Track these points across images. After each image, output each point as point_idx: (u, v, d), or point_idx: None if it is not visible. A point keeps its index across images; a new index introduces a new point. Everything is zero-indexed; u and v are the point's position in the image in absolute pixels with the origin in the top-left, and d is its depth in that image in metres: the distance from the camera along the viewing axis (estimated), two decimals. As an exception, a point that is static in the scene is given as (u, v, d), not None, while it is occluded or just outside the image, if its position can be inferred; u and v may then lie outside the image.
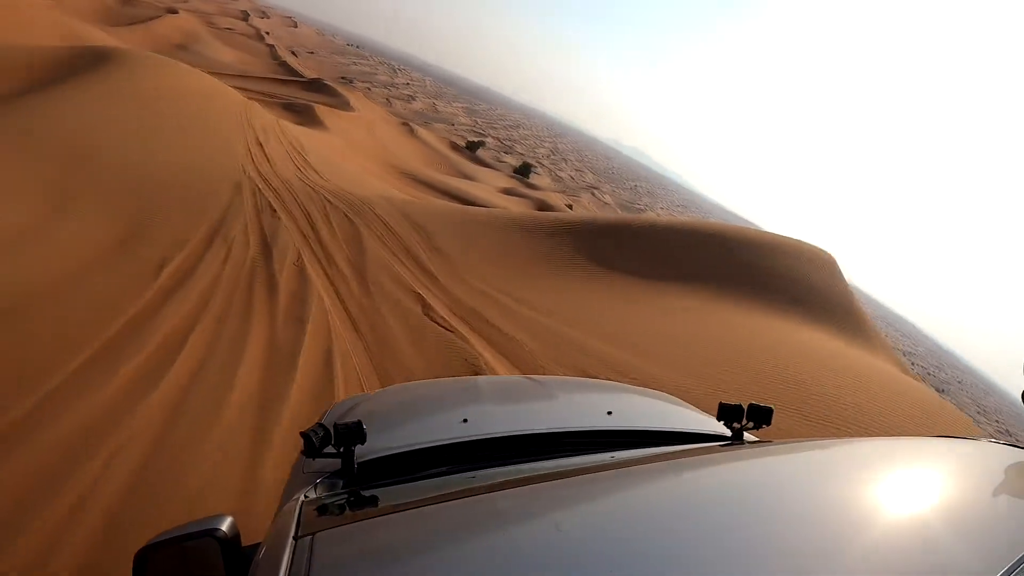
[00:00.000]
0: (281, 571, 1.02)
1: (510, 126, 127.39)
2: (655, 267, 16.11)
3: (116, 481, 4.34)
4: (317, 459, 1.80)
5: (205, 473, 4.64)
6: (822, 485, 1.32)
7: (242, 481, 4.67)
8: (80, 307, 6.83)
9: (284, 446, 5.16)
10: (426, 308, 9.81)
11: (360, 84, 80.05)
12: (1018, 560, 0.93)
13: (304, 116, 37.18)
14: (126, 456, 4.61)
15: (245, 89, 42.12)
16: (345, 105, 46.95)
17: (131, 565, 1.44)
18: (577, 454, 1.97)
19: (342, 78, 77.74)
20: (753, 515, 1.14)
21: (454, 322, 9.59)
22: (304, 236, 12.11)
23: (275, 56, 68.45)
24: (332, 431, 1.72)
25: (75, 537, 3.82)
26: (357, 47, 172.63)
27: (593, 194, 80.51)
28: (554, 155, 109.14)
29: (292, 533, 1.20)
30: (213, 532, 1.45)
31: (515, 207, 36.76)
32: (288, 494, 1.85)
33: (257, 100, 40.52)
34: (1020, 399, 2.08)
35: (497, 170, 57.56)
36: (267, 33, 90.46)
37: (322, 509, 1.45)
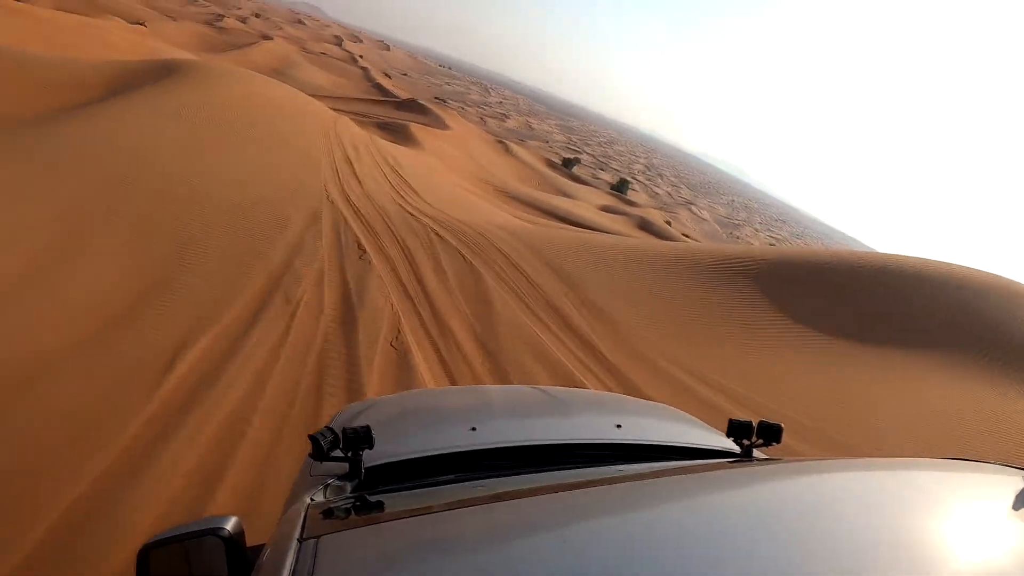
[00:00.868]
0: (284, 573, 1.00)
1: (604, 142, 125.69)
2: (874, 325, 11.28)
3: None
4: (324, 462, 1.74)
5: None
6: (831, 507, 1.24)
7: None
8: (28, 447, 4.10)
9: None
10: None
11: (453, 103, 79.65)
12: None
13: (399, 135, 35.34)
14: None
15: (338, 109, 41.08)
16: (440, 124, 45.46)
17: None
18: (585, 466, 1.94)
19: (435, 98, 77.42)
20: (760, 534, 1.09)
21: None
22: (404, 288, 8.74)
23: (369, 78, 67.82)
24: (341, 435, 1.69)
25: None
26: (449, 68, 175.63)
27: (690, 210, 78.03)
28: (649, 171, 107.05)
29: (297, 535, 1.16)
30: (217, 531, 1.42)
31: (615, 225, 35.00)
32: (294, 496, 1.84)
33: (350, 119, 39.21)
34: None
35: (594, 187, 55.80)
36: (360, 56, 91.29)
37: (328, 513, 1.41)
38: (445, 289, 9.17)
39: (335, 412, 2.76)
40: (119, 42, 26.37)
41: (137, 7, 70.73)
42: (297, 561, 1.04)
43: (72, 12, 42.63)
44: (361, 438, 1.68)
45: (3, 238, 6.45)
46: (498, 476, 1.78)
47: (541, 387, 3.38)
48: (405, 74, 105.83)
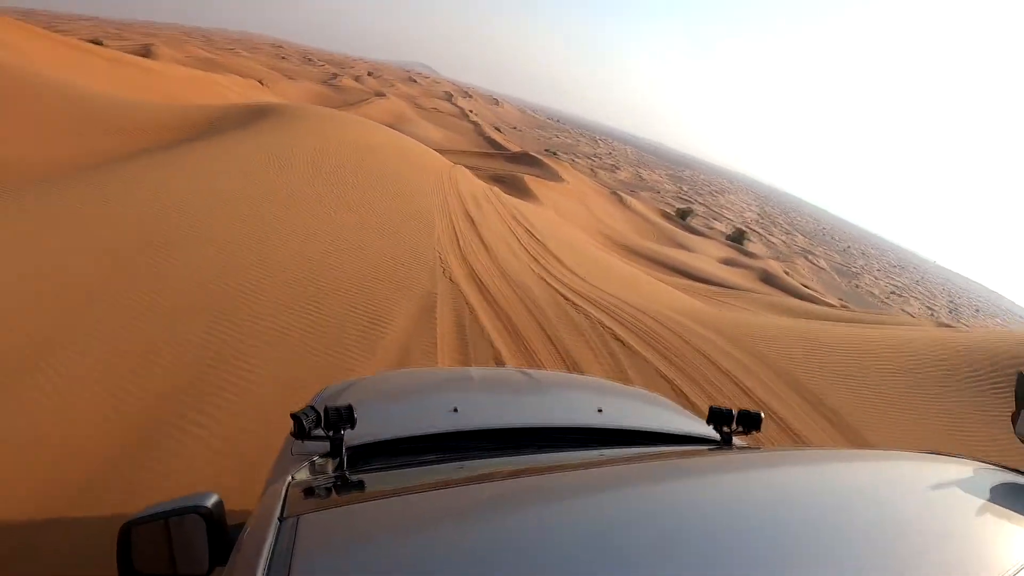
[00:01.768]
0: (264, 551, 0.99)
1: (716, 191, 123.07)
2: None
3: None
4: (306, 441, 1.70)
5: None
6: (808, 496, 1.26)
7: None
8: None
9: None
10: None
11: (564, 156, 79.27)
12: None
13: (514, 187, 33.70)
14: None
15: (452, 165, 39.51)
16: (554, 176, 44.06)
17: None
18: (566, 450, 1.93)
19: (546, 150, 77.28)
20: (736, 520, 1.10)
21: None
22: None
23: (480, 132, 67.69)
24: (322, 414, 1.66)
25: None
26: (558, 121, 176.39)
27: (807, 259, 75.84)
28: (763, 219, 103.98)
29: (277, 514, 1.15)
30: (198, 509, 1.41)
31: (738, 278, 33.69)
32: (275, 475, 1.81)
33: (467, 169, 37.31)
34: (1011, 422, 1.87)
35: (710, 238, 53.80)
36: (471, 112, 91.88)
37: (309, 492, 1.39)
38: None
39: (317, 391, 2.64)
40: (229, 93, 25.10)
41: (257, 68, 73.43)
42: (277, 539, 1.03)
43: (190, 69, 43.96)
44: (343, 417, 1.66)
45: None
46: (479, 458, 1.78)
47: (523, 370, 3.42)
48: (515, 128, 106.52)
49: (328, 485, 1.50)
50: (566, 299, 9.57)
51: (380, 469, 1.71)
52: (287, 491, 1.32)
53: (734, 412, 1.99)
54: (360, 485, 1.55)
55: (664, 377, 7.37)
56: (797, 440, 6.51)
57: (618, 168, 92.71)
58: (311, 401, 2.38)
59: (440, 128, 61.24)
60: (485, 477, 1.51)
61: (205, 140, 11.63)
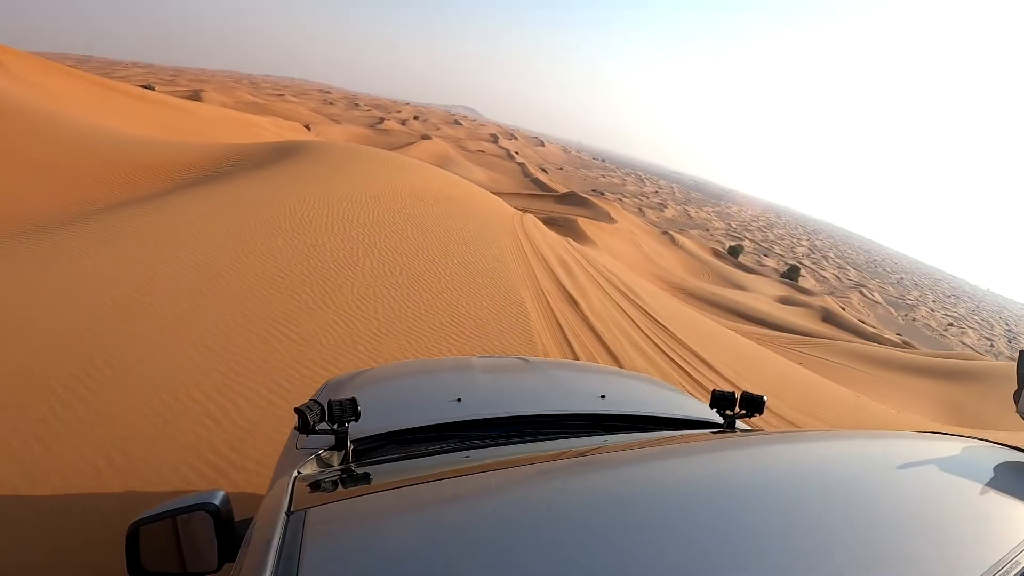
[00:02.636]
0: (273, 546, 0.99)
1: (764, 227, 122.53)
2: None
3: None
4: (311, 435, 1.73)
5: None
6: (811, 477, 1.28)
7: None
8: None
9: None
10: None
11: (611, 195, 79.14)
12: (997, 562, 0.95)
13: (570, 230, 33.26)
14: None
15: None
16: (605, 216, 43.73)
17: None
18: (570, 437, 1.93)
19: (592, 190, 77.35)
20: (740, 503, 1.11)
21: None
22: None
23: (526, 173, 67.58)
24: (327, 408, 1.67)
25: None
26: (603, 160, 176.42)
27: (861, 292, 75.87)
28: (813, 253, 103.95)
29: (285, 509, 1.16)
30: (206, 506, 1.42)
31: (797, 318, 33.15)
32: (281, 470, 1.82)
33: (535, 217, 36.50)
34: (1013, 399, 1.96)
35: (762, 275, 54.11)
36: (516, 153, 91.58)
37: (315, 485, 1.39)
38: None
39: (321, 385, 2.63)
40: (267, 134, 24.56)
41: (304, 112, 74.34)
42: (285, 534, 1.03)
43: (240, 112, 44.08)
44: (347, 410, 1.66)
45: None
46: (484, 447, 1.76)
47: (525, 357, 3.31)
48: (560, 168, 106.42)
49: (334, 478, 1.48)
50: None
51: (385, 461, 1.69)
52: (293, 485, 1.31)
53: (736, 395, 1.99)
54: (366, 477, 1.53)
55: None
56: None
57: (665, 206, 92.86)
58: (315, 395, 2.37)
59: (485, 169, 61.14)
60: (490, 466, 1.48)
61: (209, 185, 10.51)
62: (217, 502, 1.43)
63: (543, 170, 79.96)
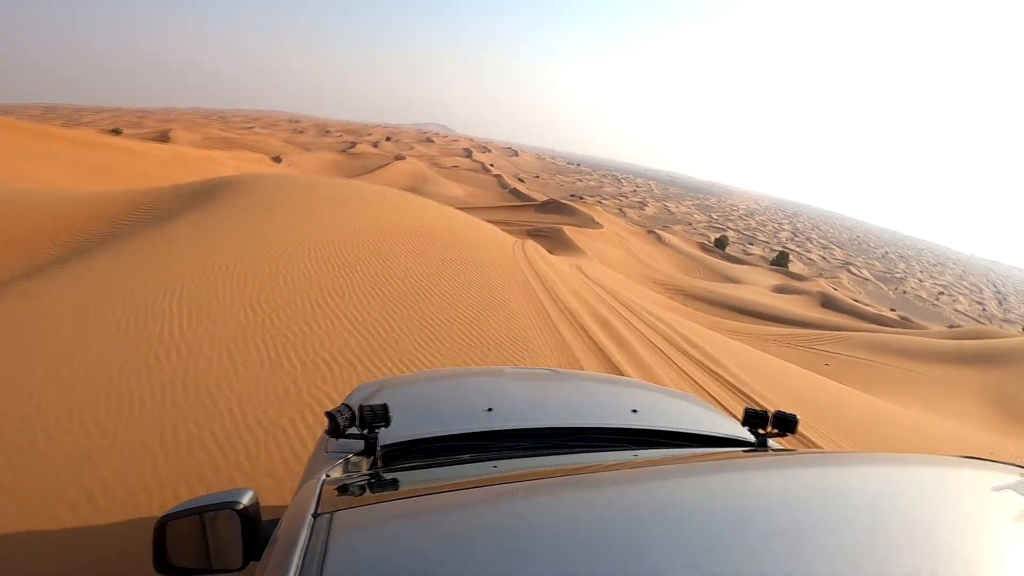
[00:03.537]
0: (298, 548, 0.99)
1: (745, 215, 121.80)
2: None
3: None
4: (341, 439, 1.72)
5: None
6: (845, 500, 1.22)
7: None
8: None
9: None
10: None
11: (590, 199, 78.40)
12: None
13: (558, 241, 32.43)
14: None
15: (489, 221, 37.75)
16: (590, 222, 42.58)
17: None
18: (600, 450, 1.91)
19: (572, 195, 76.78)
20: (772, 524, 1.08)
21: None
22: None
23: (503, 185, 66.69)
24: (358, 413, 1.68)
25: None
26: (578, 164, 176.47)
27: (849, 271, 75.36)
28: (797, 236, 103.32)
29: (312, 511, 1.15)
30: (233, 505, 1.41)
31: (796, 307, 32.02)
32: (310, 472, 1.83)
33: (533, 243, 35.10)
34: None
35: (751, 264, 53.30)
36: (491, 165, 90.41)
37: (343, 489, 1.38)
38: None
39: (352, 390, 2.59)
40: (225, 170, 22.67)
41: (274, 143, 72.78)
42: (311, 536, 1.02)
43: (208, 149, 42.50)
44: (378, 416, 1.68)
45: None
46: (513, 458, 1.74)
47: (558, 369, 3.43)
48: (537, 176, 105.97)
49: (362, 483, 1.48)
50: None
51: (414, 468, 1.68)
52: (321, 488, 1.30)
53: (769, 414, 1.95)
54: (394, 483, 1.53)
55: None
56: None
57: (645, 205, 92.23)
58: (346, 400, 2.30)
59: (462, 185, 59.94)
60: (519, 477, 1.49)
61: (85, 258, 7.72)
62: (245, 501, 1.41)
63: (520, 180, 78.84)
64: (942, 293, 79.29)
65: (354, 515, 1.14)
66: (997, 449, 9.26)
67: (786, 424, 1.92)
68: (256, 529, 1.41)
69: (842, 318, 31.79)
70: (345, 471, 1.63)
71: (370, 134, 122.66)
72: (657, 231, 52.79)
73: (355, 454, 1.76)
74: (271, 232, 9.10)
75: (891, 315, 39.16)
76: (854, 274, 74.36)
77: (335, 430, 1.63)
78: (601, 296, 12.01)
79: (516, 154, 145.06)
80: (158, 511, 3.17)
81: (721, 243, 61.13)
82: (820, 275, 62.93)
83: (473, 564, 0.92)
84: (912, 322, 38.61)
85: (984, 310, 73.82)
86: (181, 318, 5.64)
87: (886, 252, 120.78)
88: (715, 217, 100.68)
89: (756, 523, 1.06)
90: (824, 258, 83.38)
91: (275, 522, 1.31)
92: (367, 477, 1.57)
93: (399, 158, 65.11)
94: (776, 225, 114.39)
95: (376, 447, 1.73)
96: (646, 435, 2.04)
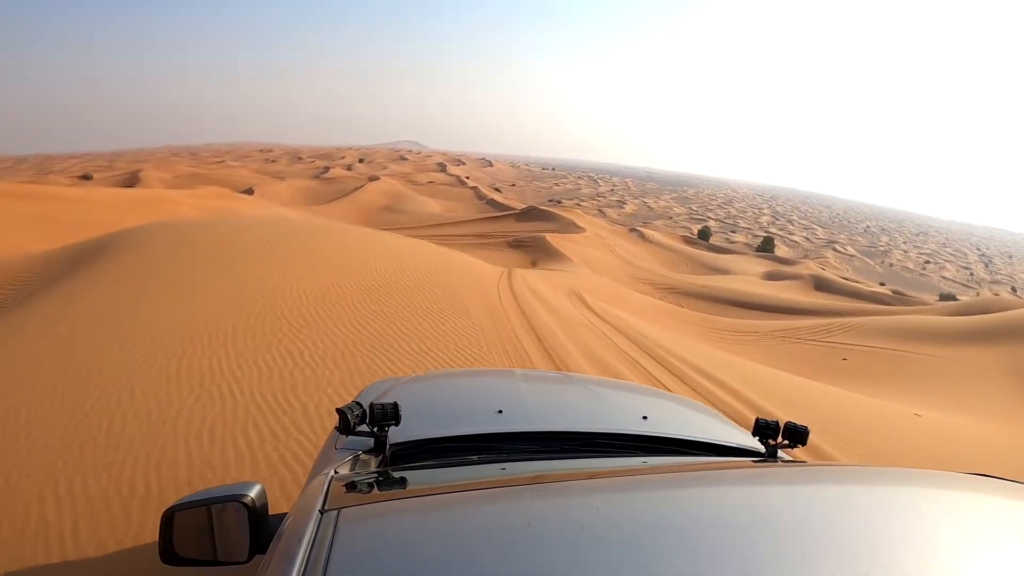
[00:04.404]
0: (304, 543, 0.99)
1: (724, 203, 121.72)
2: None
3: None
4: (350, 436, 1.72)
5: None
6: (855, 513, 1.18)
7: None
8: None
9: None
10: None
11: (568, 202, 77.99)
12: None
13: (542, 251, 31.36)
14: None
15: (462, 236, 37.27)
16: (571, 226, 41.60)
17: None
18: (610, 456, 1.89)
19: (550, 200, 76.12)
20: (781, 535, 1.06)
21: None
22: None
23: (480, 196, 65.03)
24: (368, 410, 1.67)
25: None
26: (553, 169, 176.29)
27: (834, 249, 74.75)
28: (777, 220, 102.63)
29: (319, 507, 1.14)
30: (241, 498, 1.42)
31: (791, 293, 31.05)
32: (318, 468, 1.82)
33: (478, 244, 33.52)
34: None
35: (737, 252, 52.61)
36: (467, 177, 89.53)
37: (351, 486, 1.37)
38: None
39: (362, 388, 2.55)
40: (183, 210, 21.19)
41: (246, 175, 71.52)
42: (317, 531, 1.02)
43: (178, 188, 41.00)
44: (388, 415, 1.67)
45: None
46: (522, 460, 1.74)
47: (569, 374, 3.39)
48: (513, 184, 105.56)
49: (370, 480, 1.47)
50: None
51: (422, 467, 1.67)
52: (329, 484, 1.30)
53: (780, 424, 1.91)
54: (402, 482, 1.51)
55: None
56: None
57: (624, 203, 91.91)
58: (357, 397, 2.27)
59: (439, 200, 58.77)
60: (527, 480, 1.47)
61: None
62: (252, 494, 1.42)
63: (496, 190, 77.70)
64: (928, 262, 79.04)
65: (361, 512, 1.14)
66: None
67: (797, 435, 1.85)
68: (263, 522, 1.41)
69: (839, 300, 30.88)
70: (353, 468, 1.61)
71: (343, 157, 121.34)
72: (639, 228, 52.14)
73: (364, 452, 1.74)
74: (138, 327, 6.46)
75: (885, 291, 38.49)
76: (839, 251, 73.89)
77: (345, 427, 1.61)
78: (621, 348, 9.50)
79: (490, 164, 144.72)
80: None
81: (704, 234, 60.64)
82: (806, 256, 62.30)
83: (478, 565, 0.91)
84: (905, 295, 38.06)
85: (972, 275, 73.82)
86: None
87: (867, 227, 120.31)
88: (695, 208, 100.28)
89: (764, 534, 1.03)
90: (807, 239, 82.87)
91: (282, 516, 1.31)
92: (375, 475, 1.56)
93: (373, 179, 63.72)
94: (756, 211, 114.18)
95: (385, 445, 1.71)
96: (656, 442, 2.00)
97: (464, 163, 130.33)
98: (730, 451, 2.07)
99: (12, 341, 6.17)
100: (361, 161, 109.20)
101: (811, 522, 1.11)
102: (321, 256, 10.25)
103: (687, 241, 52.98)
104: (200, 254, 9.46)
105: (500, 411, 2.10)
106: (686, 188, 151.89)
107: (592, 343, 9.17)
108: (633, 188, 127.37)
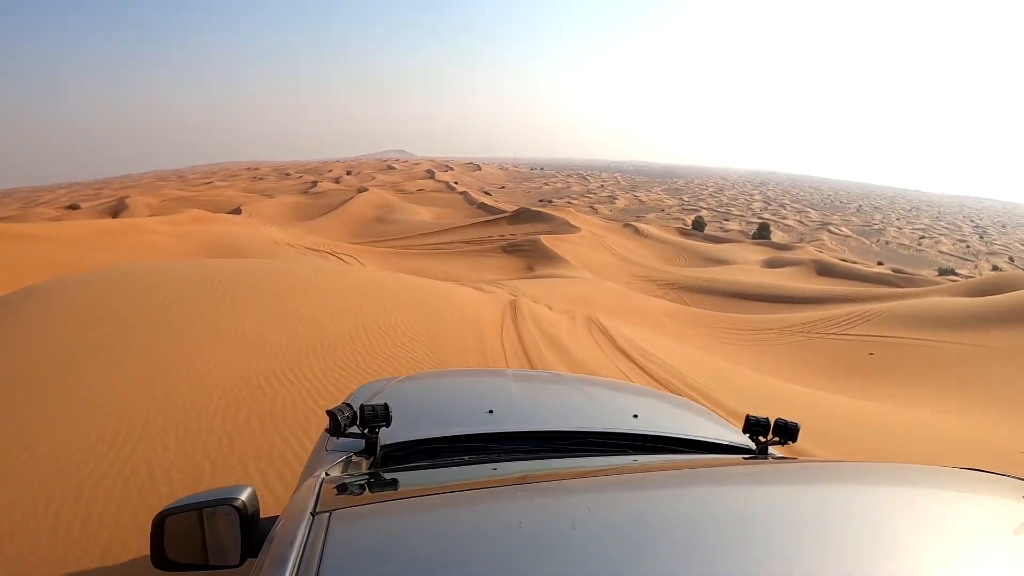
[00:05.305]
0: (296, 545, 0.98)
1: (715, 192, 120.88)
2: None
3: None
4: (341, 438, 1.71)
5: None
6: (845, 509, 1.19)
7: None
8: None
9: None
10: None
11: (559, 201, 76.74)
12: None
13: (539, 254, 30.22)
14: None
15: (455, 243, 36.31)
16: (565, 226, 40.55)
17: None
18: (600, 455, 1.89)
19: (540, 201, 75.26)
20: (771, 532, 1.06)
21: None
22: None
23: (470, 200, 64.10)
24: (358, 412, 1.65)
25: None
26: (541, 168, 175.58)
27: (829, 231, 74.17)
28: (770, 205, 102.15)
29: (310, 509, 1.14)
30: (232, 502, 1.41)
31: (794, 281, 30.25)
32: (309, 470, 1.83)
33: (472, 251, 32.36)
34: None
35: (733, 241, 51.64)
36: (456, 183, 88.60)
37: (342, 488, 1.37)
38: None
39: (353, 389, 2.55)
40: (159, 240, 19.89)
41: (234, 194, 70.41)
42: (309, 534, 1.02)
43: (165, 212, 39.56)
44: (379, 416, 1.65)
45: None
46: (513, 460, 1.73)
47: (559, 373, 3.46)
48: (503, 186, 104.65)
49: (361, 482, 1.47)
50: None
51: (414, 468, 1.67)
52: (320, 487, 1.30)
53: (771, 421, 1.92)
54: (393, 483, 1.52)
55: None
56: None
57: (615, 198, 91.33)
58: (347, 399, 2.26)
59: (429, 207, 57.52)
60: (518, 480, 1.48)
61: None
62: (243, 498, 1.40)
63: (486, 193, 76.66)
64: (923, 237, 78.47)
65: (352, 514, 1.14)
66: None
67: (787, 432, 1.87)
68: (254, 526, 1.40)
69: (845, 285, 30.08)
70: (345, 470, 1.61)
71: (330, 171, 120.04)
72: (633, 223, 51.35)
73: (355, 453, 1.73)
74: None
75: (886, 271, 38.01)
76: (834, 233, 73.28)
77: (335, 428, 1.60)
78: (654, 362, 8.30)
79: (479, 168, 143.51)
80: None
81: (698, 224, 60.12)
82: (802, 240, 61.85)
83: (470, 565, 0.90)
84: (906, 272, 37.47)
85: (968, 247, 73.23)
86: None
87: (860, 206, 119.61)
88: (686, 199, 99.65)
89: (755, 531, 1.04)
90: (801, 222, 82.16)
91: (273, 519, 1.30)
92: (366, 476, 1.55)
93: (362, 190, 62.52)
94: (747, 197, 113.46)
95: (376, 447, 1.70)
96: (646, 440, 1.99)
97: (452, 168, 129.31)
98: (721, 448, 2.04)
99: None
100: (349, 173, 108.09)
101: (802, 518, 1.09)
102: (246, 327, 7.04)
103: (682, 233, 52.28)
104: (65, 338, 6.47)
105: (491, 411, 2.08)
106: (675, 179, 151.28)
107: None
108: (623, 183, 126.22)
